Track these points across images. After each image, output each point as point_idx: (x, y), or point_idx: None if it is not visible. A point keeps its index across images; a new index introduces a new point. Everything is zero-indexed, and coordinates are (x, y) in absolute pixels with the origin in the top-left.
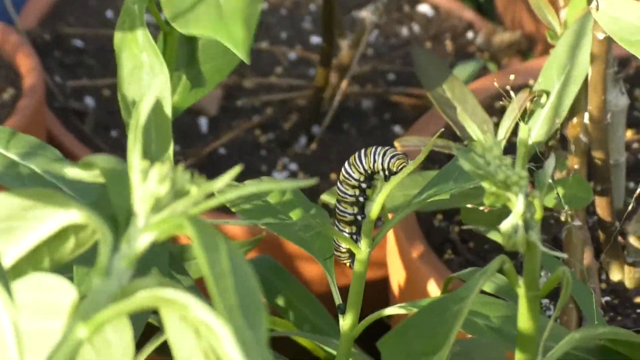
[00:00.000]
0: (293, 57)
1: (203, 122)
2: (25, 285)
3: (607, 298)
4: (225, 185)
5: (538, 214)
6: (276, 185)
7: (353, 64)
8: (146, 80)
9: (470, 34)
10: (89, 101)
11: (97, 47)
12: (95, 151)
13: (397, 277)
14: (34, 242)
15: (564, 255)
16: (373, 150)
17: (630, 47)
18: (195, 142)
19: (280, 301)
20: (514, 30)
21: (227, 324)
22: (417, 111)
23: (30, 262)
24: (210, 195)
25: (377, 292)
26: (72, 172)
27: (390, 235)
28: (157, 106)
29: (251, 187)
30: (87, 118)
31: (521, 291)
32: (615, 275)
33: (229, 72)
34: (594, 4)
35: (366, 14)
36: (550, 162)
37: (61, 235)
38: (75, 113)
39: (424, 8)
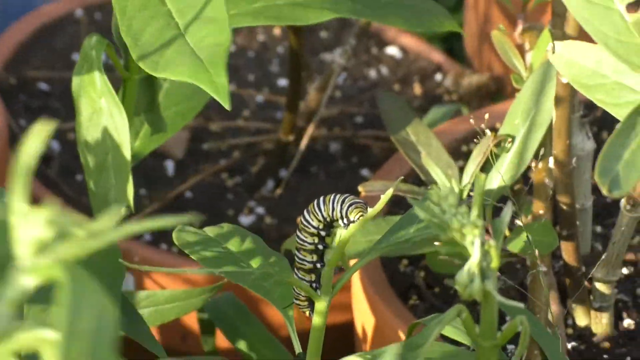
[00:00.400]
0: (260, 100)
1: (169, 165)
2: None
3: (574, 343)
4: (110, 225)
5: (494, 263)
6: (173, 221)
7: (320, 108)
8: (105, 125)
9: (438, 76)
10: (55, 145)
11: (63, 90)
12: (60, 196)
13: (361, 322)
14: None
15: (520, 305)
16: (332, 198)
17: (587, 92)
18: (161, 186)
19: (242, 343)
20: (483, 72)
21: None
22: (386, 154)
23: None
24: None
25: (342, 336)
26: None
27: (355, 280)
28: (117, 151)
29: (136, 226)
30: (52, 162)
31: (479, 341)
32: (581, 321)
33: (192, 117)
34: (550, 47)
35: (334, 57)
36: (507, 210)
37: None
38: (40, 157)
39: (392, 50)
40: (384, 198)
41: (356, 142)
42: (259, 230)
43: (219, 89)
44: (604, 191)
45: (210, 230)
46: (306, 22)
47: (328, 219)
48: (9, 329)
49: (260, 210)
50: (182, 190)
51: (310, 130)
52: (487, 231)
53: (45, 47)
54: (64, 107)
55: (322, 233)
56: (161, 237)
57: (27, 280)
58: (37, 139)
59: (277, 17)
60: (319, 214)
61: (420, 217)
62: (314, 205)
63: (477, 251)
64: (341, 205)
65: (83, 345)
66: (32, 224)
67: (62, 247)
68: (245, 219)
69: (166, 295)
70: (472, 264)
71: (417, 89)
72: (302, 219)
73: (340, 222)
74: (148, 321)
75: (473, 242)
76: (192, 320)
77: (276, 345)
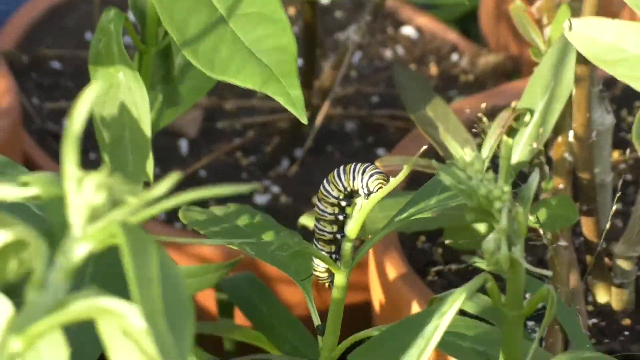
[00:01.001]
0: None
1: (183, 144)
2: None
3: (594, 320)
4: (163, 192)
5: (522, 230)
6: (216, 191)
7: (335, 86)
8: (122, 99)
9: (454, 56)
10: (67, 123)
11: (75, 69)
12: None
13: (379, 299)
14: None
15: (549, 273)
16: (352, 167)
17: (608, 68)
18: (175, 165)
19: (261, 321)
20: (499, 52)
21: (149, 329)
22: (401, 134)
23: None
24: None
25: (360, 315)
26: (10, 191)
27: (372, 257)
28: (135, 126)
29: (192, 194)
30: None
31: (504, 310)
32: (602, 297)
33: (206, 91)
34: (566, 24)
35: (349, 34)
36: (534, 177)
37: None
38: (53, 135)
39: (407, 30)
40: (406, 168)
41: (372, 122)
42: (274, 209)
43: (296, 103)
44: None
45: (217, 210)
46: None
47: (348, 189)
48: (66, 300)
49: (275, 189)
50: (196, 169)
51: (325, 108)
52: None
53: (57, 26)
54: (75, 86)
55: (343, 203)
56: (175, 216)
57: (81, 248)
58: (85, 104)
59: None
60: (339, 183)
61: (443, 186)
62: (334, 175)
63: (504, 217)
64: (362, 175)
65: (154, 288)
66: (85, 190)
67: (116, 213)
68: (260, 198)
69: (183, 271)
70: (500, 230)
71: (433, 69)
72: (322, 189)
73: (360, 191)
74: None
75: (500, 208)
76: (210, 302)
77: (295, 323)
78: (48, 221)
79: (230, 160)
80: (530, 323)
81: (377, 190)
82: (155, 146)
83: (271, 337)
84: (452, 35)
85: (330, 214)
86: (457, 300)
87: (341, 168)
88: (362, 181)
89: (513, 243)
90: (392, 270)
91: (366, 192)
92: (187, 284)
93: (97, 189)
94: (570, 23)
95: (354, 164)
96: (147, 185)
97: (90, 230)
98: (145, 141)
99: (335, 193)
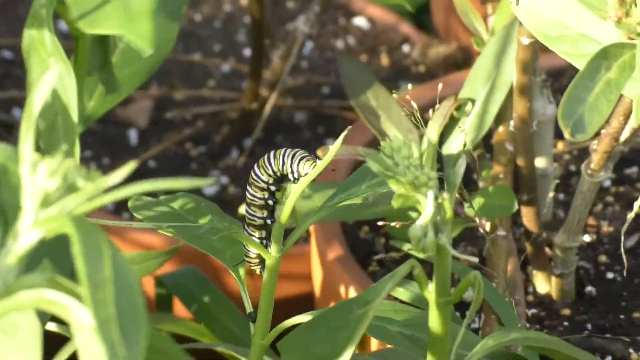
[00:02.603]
0: (226, 69)
1: (133, 134)
2: None
3: (534, 310)
4: (119, 180)
5: (448, 215)
6: (169, 184)
7: (284, 76)
8: (55, 86)
9: (406, 47)
10: (17, 113)
11: (6, 61)
12: None
13: (320, 289)
14: None
15: (474, 259)
16: (282, 152)
17: (551, 44)
18: (124, 155)
19: (203, 313)
20: (450, 43)
21: (100, 338)
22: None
23: None
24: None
25: (305, 307)
26: None
27: (315, 248)
28: (65, 113)
29: (146, 185)
30: (14, 130)
31: (432, 297)
32: (542, 288)
33: (146, 77)
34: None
35: (297, 25)
36: (461, 163)
37: None
38: (3, 125)
39: (359, 21)
40: (332, 150)
41: (322, 112)
42: (222, 199)
43: (143, 37)
44: (567, 134)
45: (165, 198)
46: None
47: (278, 174)
48: (15, 286)
49: (224, 179)
50: (145, 160)
51: (273, 98)
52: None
53: (9, 15)
54: (6, 77)
55: (272, 188)
56: (124, 207)
57: (32, 234)
58: (46, 86)
59: None
60: (269, 168)
61: (373, 172)
62: (264, 160)
63: (430, 204)
64: (291, 160)
65: (107, 291)
66: (39, 175)
67: (70, 199)
68: (209, 189)
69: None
70: (426, 217)
71: (385, 60)
72: (253, 173)
73: (290, 176)
74: None
75: (426, 194)
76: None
77: (234, 311)
78: (1, 200)
79: (180, 150)
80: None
81: (307, 173)
82: (104, 136)
83: (210, 325)
84: (404, 27)
85: (260, 198)
86: (384, 288)
87: (271, 153)
88: (291, 166)
89: (440, 229)
90: (334, 260)
91: (296, 176)
92: None
93: (52, 174)
94: None
95: (284, 149)
96: None
97: (42, 216)
98: (72, 127)
99: (265, 177)
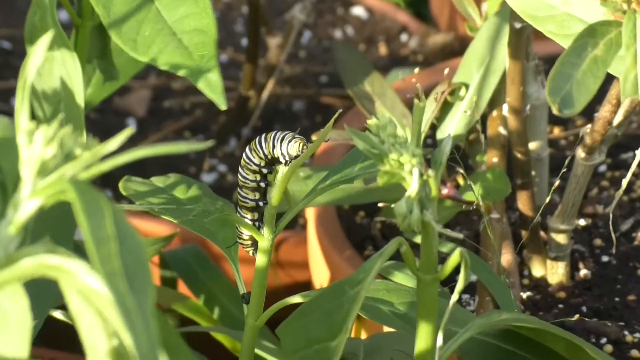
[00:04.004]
0: (224, 59)
1: (131, 123)
2: None
3: (529, 293)
4: (115, 148)
5: (434, 192)
6: (163, 149)
7: (281, 64)
8: (58, 73)
9: (404, 37)
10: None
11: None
12: None
13: (318, 274)
14: None
15: (459, 235)
16: (273, 135)
17: (537, 24)
18: (122, 144)
19: (203, 292)
20: (448, 32)
21: (109, 290)
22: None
23: None
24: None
25: None
26: None
27: (312, 233)
28: (70, 100)
29: (144, 150)
30: (12, 120)
31: (419, 274)
32: (537, 271)
33: (143, 65)
34: None
35: (294, 13)
36: (447, 141)
37: None
38: (2, 115)
39: (357, 11)
40: (323, 132)
41: (319, 101)
42: (220, 187)
43: (214, 87)
44: (555, 110)
45: (157, 180)
46: None
47: (269, 157)
48: (16, 255)
49: (221, 168)
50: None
51: (270, 85)
52: (443, 182)
53: (7, 5)
54: (6, 66)
55: (264, 170)
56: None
57: (31, 203)
58: (37, 57)
59: None
60: (260, 151)
61: (365, 155)
62: (255, 143)
63: (415, 181)
64: (281, 142)
65: (111, 247)
66: (36, 143)
67: (67, 167)
68: (207, 177)
69: None
70: (411, 193)
71: (383, 50)
72: (244, 156)
73: (281, 159)
74: None
75: (411, 171)
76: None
77: (234, 292)
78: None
79: (178, 139)
80: (465, 296)
81: (299, 155)
82: (103, 125)
83: (209, 304)
84: (402, 16)
85: (252, 181)
86: (374, 266)
87: (262, 136)
88: (282, 148)
89: (425, 206)
90: (331, 245)
91: (287, 159)
92: None
93: (48, 142)
94: None
95: (275, 131)
96: None
97: (40, 185)
98: (79, 114)
99: (256, 160)
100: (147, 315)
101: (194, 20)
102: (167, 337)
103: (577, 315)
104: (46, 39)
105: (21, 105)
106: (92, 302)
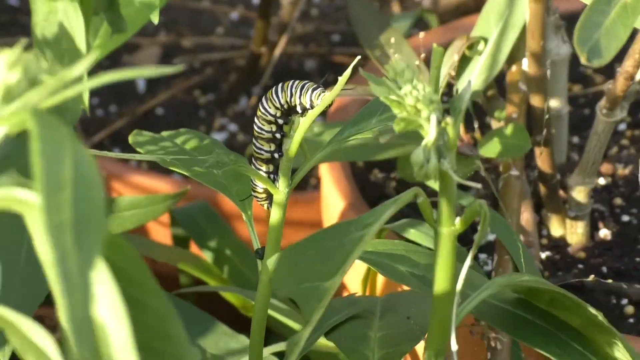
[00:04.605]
0: (235, 17)
1: (140, 82)
2: None
3: (548, 253)
4: (81, 73)
5: (452, 140)
6: (146, 72)
7: (293, 21)
8: (61, 24)
9: None
10: None
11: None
12: None
13: None
14: None
15: (478, 185)
16: (290, 83)
17: None
18: (131, 102)
19: (212, 249)
20: None
21: (51, 245)
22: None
23: None
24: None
25: None
26: None
27: (326, 191)
28: (73, 52)
29: (116, 74)
30: None
31: (436, 227)
32: (556, 231)
33: (150, 14)
34: None
35: None
36: (467, 88)
37: None
38: None
39: None
40: (340, 82)
41: (332, 60)
42: (231, 147)
43: None
44: (583, 59)
45: (167, 134)
46: None
47: (286, 106)
48: None
49: (232, 127)
50: (153, 106)
51: (282, 42)
52: (460, 140)
53: None
54: (13, 22)
55: (280, 121)
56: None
57: None
58: None
59: None
60: (277, 100)
61: (384, 106)
62: (271, 92)
63: (433, 128)
64: (300, 91)
65: (65, 194)
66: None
67: (32, 93)
68: (217, 136)
69: (127, 201)
70: (428, 141)
71: (396, 8)
72: (260, 106)
73: (298, 108)
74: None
75: (429, 117)
76: (166, 238)
77: (245, 252)
78: None
79: (188, 98)
80: (483, 255)
81: (317, 104)
82: (111, 83)
83: (219, 263)
84: None
85: (267, 132)
86: (386, 211)
87: (279, 85)
88: (300, 97)
89: (443, 155)
90: (344, 203)
91: (307, 107)
92: (133, 215)
93: (11, 67)
94: None
95: (292, 80)
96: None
97: (5, 112)
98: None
99: (272, 111)
100: (87, 280)
101: None
102: (131, 270)
103: (592, 276)
104: None
105: None
106: None
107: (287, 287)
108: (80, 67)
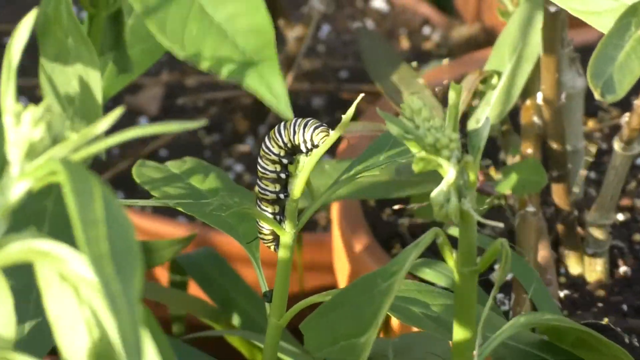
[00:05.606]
0: None
1: (143, 122)
2: None
3: (566, 292)
4: (104, 130)
5: (472, 179)
6: (159, 128)
7: (300, 56)
8: (72, 66)
9: (426, 30)
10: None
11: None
12: None
13: (342, 273)
14: None
15: (500, 225)
16: (293, 122)
17: (560, 2)
18: (134, 143)
19: (218, 292)
20: (473, 24)
21: (95, 274)
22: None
23: None
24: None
25: None
26: None
27: (337, 231)
28: (85, 93)
29: (134, 131)
30: None
31: (456, 267)
32: (574, 269)
33: (159, 55)
34: None
35: (313, 3)
36: (486, 124)
37: None
38: None
39: (378, 3)
40: (345, 118)
41: (340, 97)
42: None
43: (279, 97)
44: (597, 95)
45: (173, 165)
46: None
47: (289, 145)
48: (3, 241)
49: (238, 167)
50: (156, 148)
51: (289, 80)
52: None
53: (17, 4)
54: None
55: (284, 160)
56: (135, 196)
57: (19, 186)
58: (23, 33)
59: None
60: (280, 139)
61: (392, 142)
62: (274, 131)
63: (453, 167)
64: (303, 129)
65: (99, 229)
66: (23, 125)
67: (56, 149)
68: None
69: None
70: (448, 181)
71: (404, 43)
72: (263, 146)
73: (302, 146)
74: None
75: (449, 157)
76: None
77: (251, 294)
78: None
79: (193, 138)
80: (500, 295)
81: (320, 143)
82: (114, 124)
83: (226, 307)
84: (423, 8)
85: (272, 171)
86: (408, 257)
87: (282, 124)
88: (303, 135)
89: (463, 194)
90: (356, 243)
91: (309, 147)
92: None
93: (36, 123)
94: None
95: (295, 118)
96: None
97: (29, 167)
98: (96, 108)
99: (276, 150)
100: (132, 302)
101: (245, 19)
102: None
103: (605, 320)
104: (29, 18)
105: (6, 85)
106: (77, 290)
107: (322, 348)
108: (104, 125)
